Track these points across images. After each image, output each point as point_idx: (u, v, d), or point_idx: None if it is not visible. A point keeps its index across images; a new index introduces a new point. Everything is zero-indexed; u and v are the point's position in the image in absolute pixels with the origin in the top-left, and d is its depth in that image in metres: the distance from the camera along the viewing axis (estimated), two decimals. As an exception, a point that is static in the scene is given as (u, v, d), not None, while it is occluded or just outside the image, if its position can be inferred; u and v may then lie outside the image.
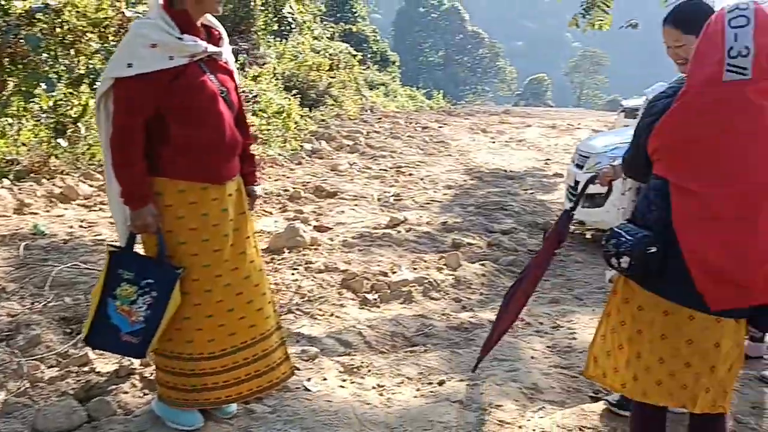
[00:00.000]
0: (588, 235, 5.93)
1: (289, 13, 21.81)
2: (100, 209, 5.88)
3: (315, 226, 5.96)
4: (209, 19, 2.45)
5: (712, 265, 1.79)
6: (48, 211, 5.67)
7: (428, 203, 7.32)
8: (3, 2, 6.54)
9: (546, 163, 10.91)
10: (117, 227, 2.50)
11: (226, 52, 2.47)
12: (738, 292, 1.81)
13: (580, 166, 5.91)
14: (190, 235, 2.39)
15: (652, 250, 1.87)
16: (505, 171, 9.91)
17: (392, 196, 7.54)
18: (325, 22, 27.72)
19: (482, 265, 5.09)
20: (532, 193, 8.30)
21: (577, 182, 5.85)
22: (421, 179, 8.71)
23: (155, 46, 2.24)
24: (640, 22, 9.85)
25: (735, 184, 1.78)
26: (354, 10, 32.09)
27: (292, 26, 21.81)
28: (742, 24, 1.75)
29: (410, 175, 8.97)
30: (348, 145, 10.94)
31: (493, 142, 13.57)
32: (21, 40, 6.49)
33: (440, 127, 16.03)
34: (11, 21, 6.52)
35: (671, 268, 1.86)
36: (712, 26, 1.83)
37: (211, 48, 2.37)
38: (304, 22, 23.12)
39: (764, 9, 1.79)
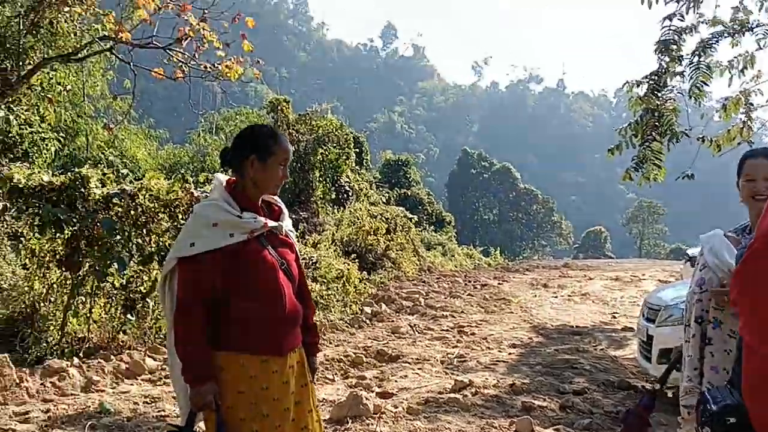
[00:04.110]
0: (669, 394, 5.54)
1: (346, 182, 22.93)
2: (164, 384, 5.88)
3: (378, 393, 5.79)
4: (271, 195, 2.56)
5: None
6: (114, 388, 5.71)
7: (494, 364, 7.07)
8: (83, 189, 7.10)
9: (613, 317, 10.56)
10: (179, 404, 2.47)
11: (286, 225, 2.55)
12: None
13: (650, 320, 5.69)
14: (251, 410, 2.34)
15: (731, 421, 1.69)
16: (571, 327, 9.60)
17: (456, 357, 7.33)
18: (380, 188, 28.93)
19: (556, 430, 4.78)
20: (602, 349, 7.96)
21: (650, 336, 5.60)
22: (484, 339, 8.49)
23: (216, 225, 2.34)
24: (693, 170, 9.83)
25: None
26: (408, 176, 33.45)
27: (349, 194, 22.82)
28: None
29: (473, 334, 8.78)
30: (408, 307, 10.90)
31: (556, 297, 13.32)
32: (98, 224, 6.95)
33: (500, 283, 15.92)
34: (90, 206, 7.03)
35: None
36: None
37: (271, 223, 2.46)
38: (361, 189, 24.19)
39: None
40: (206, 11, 10.18)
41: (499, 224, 57.25)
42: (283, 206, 2.60)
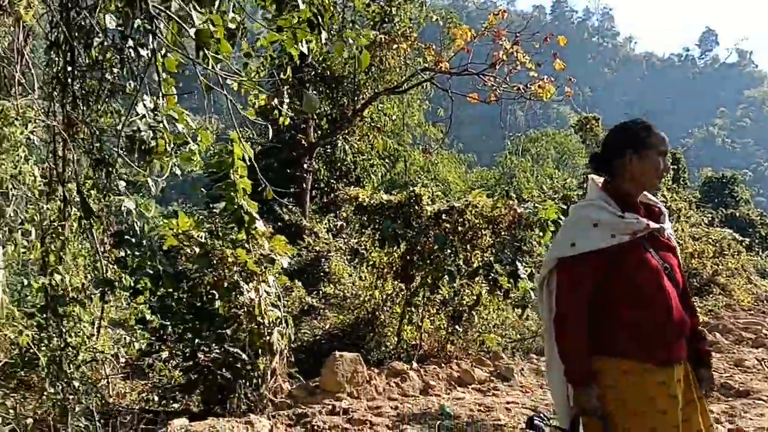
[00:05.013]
0: None
1: (662, 200, 21.28)
2: (494, 395, 5.99)
3: (730, 430, 5.14)
4: (648, 196, 2.40)
5: None
6: (449, 393, 5.98)
7: None
8: (417, 207, 7.66)
9: None
10: (557, 409, 2.41)
11: (668, 227, 2.36)
12: None
13: None
14: (635, 421, 2.17)
15: None
16: None
17: (826, 401, 6.19)
18: (701, 208, 26.27)
19: None
20: None
21: None
22: None
23: (597, 225, 2.24)
24: None
25: None
26: (734, 194, 29.90)
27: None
28: None
29: None
30: (749, 339, 9.60)
31: None
32: (429, 239, 7.43)
33: None
34: (422, 222, 7.55)
35: None
36: None
37: (653, 224, 2.29)
38: (679, 209, 22.22)
39: None
40: (518, 34, 10.37)
41: None
42: (663, 207, 2.41)
